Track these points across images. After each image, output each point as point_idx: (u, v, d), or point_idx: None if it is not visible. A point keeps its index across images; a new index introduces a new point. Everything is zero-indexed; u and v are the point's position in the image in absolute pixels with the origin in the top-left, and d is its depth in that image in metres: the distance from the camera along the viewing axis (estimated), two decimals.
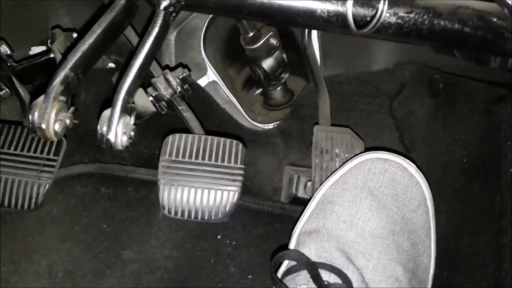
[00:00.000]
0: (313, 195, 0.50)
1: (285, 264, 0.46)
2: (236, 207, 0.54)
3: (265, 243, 0.61)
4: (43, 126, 0.38)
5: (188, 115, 0.61)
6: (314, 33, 0.67)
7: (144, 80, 0.44)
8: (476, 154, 0.52)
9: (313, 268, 0.41)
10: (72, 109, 0.42)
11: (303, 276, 0.42)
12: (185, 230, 0.62)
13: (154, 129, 0.72)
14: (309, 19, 0.41)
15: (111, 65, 0.79)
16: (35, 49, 0.72)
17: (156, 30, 0.41)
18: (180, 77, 0.60)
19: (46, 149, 0.59)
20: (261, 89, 0.78)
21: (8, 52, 0.67)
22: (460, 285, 0.49)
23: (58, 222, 0.63)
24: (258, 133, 0.73)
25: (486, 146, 0.51)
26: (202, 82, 0.73)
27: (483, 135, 0.52)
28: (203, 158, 0.55)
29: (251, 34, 0.62)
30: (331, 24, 0.41)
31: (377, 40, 0.45)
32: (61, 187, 0.65)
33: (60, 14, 0.73)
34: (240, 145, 0.57)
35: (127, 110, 0.40)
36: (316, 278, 0.41)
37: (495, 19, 0.41)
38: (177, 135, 0.57)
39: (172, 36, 0.72)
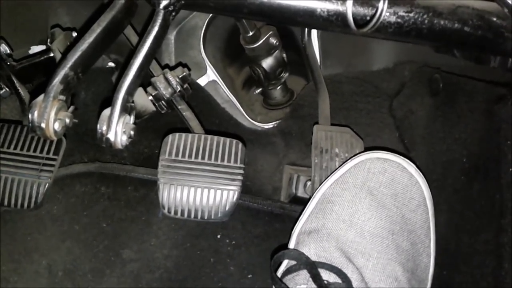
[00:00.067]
0: (312, 194, 0.50)
1: (285, 264, 0.46)
2: (236, 206, 0.54)
3: (265, 242, 0.61)
4: (43, 125, 0.38)
5: (187, 114, 0.61)
6: (314, 32, 0.67)
7: (143, 79, 0.44)
8: (476, 154, 0.52)
9: (312, 268, 0.41)
10: (71, 108, 0.42)
11: (303, 276, 0.42)
12: (185, 229, 0.62)
13: (154, 129, 0.72)
14: (309, 18, 0.41)
15: (111, 64, 0.79)
16: (35, 48, 0.72)
17: (155, 29, 0.41)
18: (180, 76, 0.60)
19: (46, 148, 0.59)
20: (261, 89, 0.78)
21: (8, 51, 0.67)
22: (460, 284, 0.49)
23: (58, 221, 0.63)
24: (258, 133, 0.73)
25: (486, 145, 0.51)
26: (202, 81, 0.73)
27: (483, 135, 0.52)
28: (203, 158, 0.55)
29: (251, 33, 0.62)
30: (331, 24, 0.41)
31: (377, 39, 0.45)
32: (61, 186, 0.65)
33: (59, 13, 0.73)
34: (240, 145, 0.57)
35: (126, 109, 0.40)
36: (316, 277, 0.41)
37: (495, 19, 0.41)
38: (177, 134, 0.57)
39: (171, 35, 0.72)
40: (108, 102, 0.39)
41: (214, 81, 0.73)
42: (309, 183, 0.65)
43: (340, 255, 0.43)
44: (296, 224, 0.49)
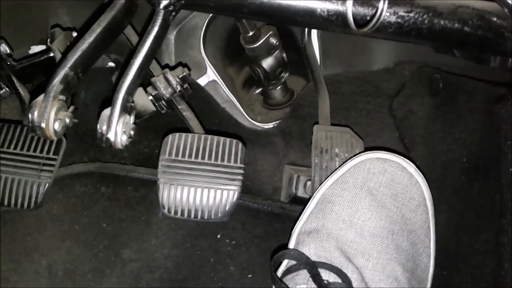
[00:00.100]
0: (312, 194, 0.50)
1: (285, 264, 0.46)
2: (236, 206, 0.54)
3: (265, 242, 0.61)
4: (43, 125, 0.38)
5: (188, 114, 0.61)
6: (314, 32, 0.67)
7: (143, 79, 0.44)
8: (476, 154, 0.52)
9: (313, 268, 0.41)
10: (71, 108, 0.42)
11: (303, 275, 0.42)
12: (185, 229, 0.62)
13: (154, 128, 0.72)
14: (309, 18, 0.41)
15: (111, 64, 0.79)
16: (35, 48, 0.72)
17: (156, 29, 0.41)
18: (180, 76, 0.60)
19: (46, 148, 0.59)
20: (261, 89, 0.78)
21: (8, 51, 0.67)
22: (460, 284, 0.49)
23: (58, 221, 0.63)
24: (258, 133, 0.73)
25: (486, 145, 0.51)
26: (202, 81, 0.73)
27: (483, 135, 0.52)
28: (203, 158, 0.55)
29: (251, 33, 0.62)
30: (331, 23, 0.41)
31: (377, 39, 0.45)
32: (61, 186, 0.65)
33: (59, 13, 0.73)
34: (240, 145, 0.57)
35: (127, 109, 0.40)
36: (316, 277, 0.41)
37: (495, 19, 0.41)
38: (177, 134, 0.57)
39: (172, 35, 0.72)
40: (108, 102, 0.39)
41: (214, 81, 0.73)
42: (309, 183, 0.65)
43: (340, 255, 0.43)
44: (296, 224, 0.49)
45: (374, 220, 0.44)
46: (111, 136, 0.39)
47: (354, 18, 0.39)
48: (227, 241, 0.61)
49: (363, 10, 0.40)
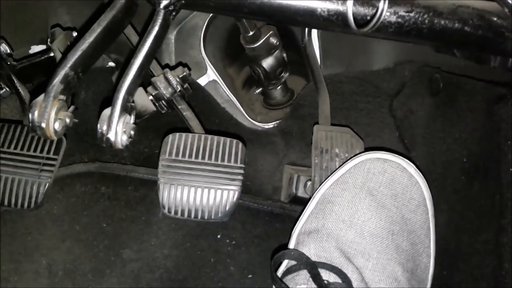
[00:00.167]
0: (312, 194, 0.50)
1: (285, 264, 0.46)
2: (236, 206, 0.54)
3: (265, 242, 0.61)
4: (43, 125, 0.38)
5: (188, 114, 0.61)
6: (314, 32, 0.67)
7: (144, 79, 0.44)
8: (476, 154, 0.52)
9: (313, 268, 0.41)
10: (72, 108, 0.42)
11: (303, 276, 0.42)
12: (185, 229, 0.62)
13: (154, 128, 0.72)
14: (309, 18, 0.41)
15: (111, 64, 0.79)
16: (35, 48, 0.72)
17: (156, 29, 0.41)
18: (180, 76, 0.60)
19: (46, 148, 0.59)
20: (261, 88, 0.78)
21: (8, 51, 0.67)
22: (460, 284, 0.49)
23: (58, 221, 0.63)
24: (258, 133, 0.73)
25: (486, 145, 0.51)
26: (202, 81, 0.73)
27: (483, 134, 0.52)
28: (203, 157, 0.55)
29: (251, 33, 0.62)
30: (331, 23, 0.41)
31: (377, 39, 0.45)
32: (61, 186, 0.65)
33: (60, 13, 0.73)
34: (240, 144, 0.57)
35: (127, 109, 0.40)
36: (316, 277, 0.41)
37: (495, 18, 0.41)
38: (177, 134, 0.57)
39: (172, 35, 0.72)
40: (108, 102, 0.39)
41: (214, 81, 0.73)
42: (309, 183, 0.65)
43: (340, 255, 0.43)
44: (296, 224, 0.49)
45: (374, 221, 0.44)
46: (111, 136, 0.39)
47: (354, 18, 0.39)
48: (227, 241, 0.61)
49: (363, 10, 0.40)
